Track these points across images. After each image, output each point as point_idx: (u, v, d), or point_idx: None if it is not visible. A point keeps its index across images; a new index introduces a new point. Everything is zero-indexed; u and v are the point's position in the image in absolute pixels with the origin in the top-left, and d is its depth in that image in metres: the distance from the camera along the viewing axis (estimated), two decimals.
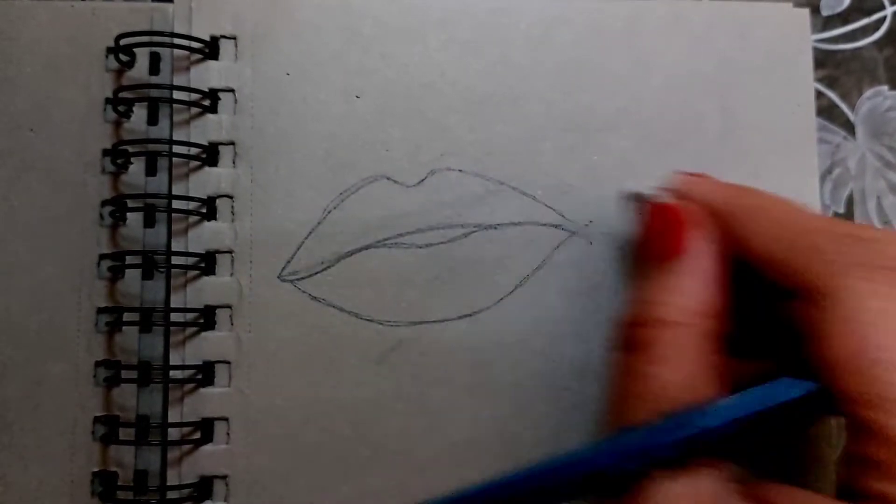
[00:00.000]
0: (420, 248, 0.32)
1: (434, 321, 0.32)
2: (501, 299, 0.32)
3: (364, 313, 0.31)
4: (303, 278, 0.31)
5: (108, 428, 0.30)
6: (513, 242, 0.32)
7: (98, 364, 0.31)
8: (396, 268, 0.32)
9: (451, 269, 0.32)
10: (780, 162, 0.34)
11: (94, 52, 0.32)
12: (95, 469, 0.30)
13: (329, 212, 0.32)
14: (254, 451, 0.31)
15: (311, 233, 0.31)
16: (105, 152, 0.32)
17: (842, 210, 0.37)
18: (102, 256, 0.31)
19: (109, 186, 0.32)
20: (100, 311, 0.31)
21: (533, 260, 0.32)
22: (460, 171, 0.32)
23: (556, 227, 0.33)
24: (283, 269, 0.31)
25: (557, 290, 0.32)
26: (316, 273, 0.31)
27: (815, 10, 0.38)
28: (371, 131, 0.32)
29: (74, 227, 0.32)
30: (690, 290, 0.25)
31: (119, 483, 0.30)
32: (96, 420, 0.31)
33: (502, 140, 0.33)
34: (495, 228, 0.32)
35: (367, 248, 0.32)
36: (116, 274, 0.31)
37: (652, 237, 0.27)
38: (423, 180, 0.32)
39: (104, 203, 0.31)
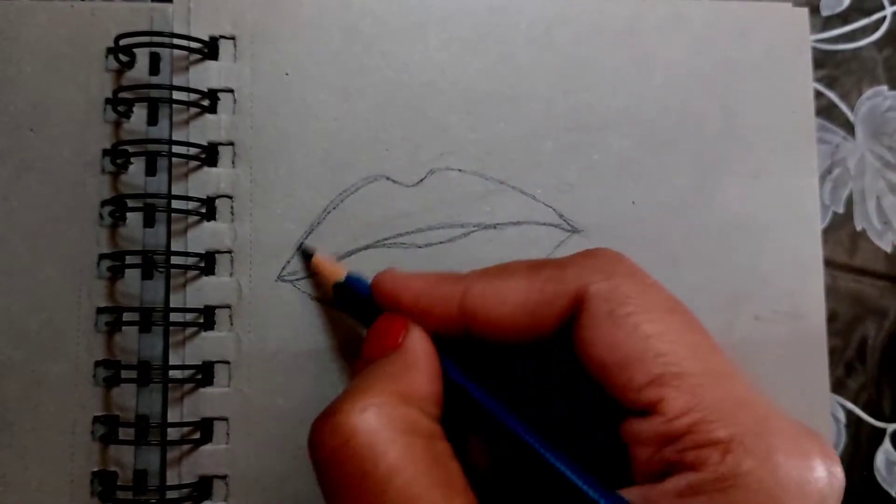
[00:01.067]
0: (420, 247, 0.32)
1: None
2: None
3: None
4: (302, 279, 0.31)
5: (107, 428, 0.30)
6: (513, 242, 0.32)
7: (98, 364, 0.30)
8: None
9: (451, 268, 0.31)
10: (779, 161, 0.34)
11: (94, 53, 0.32)
12: (95, 469, 0.30)
13: (329, 212, 0.31)
14: (253, 451, 0.30)
15: (310, 233, 0.31)
16: (105, 152, 0.31)
17: (841, 210, 0.36)
18: (102, 256, 0.31)
19: (109, 186, 0.31)
20: (100, 311, 0.31)
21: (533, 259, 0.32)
22: (460, 170, 0.32)
23: (555, 226, 0.32)
24: (283, 269, 0.31)
25: None
26: (315, 273, 0.31)
27: (815, 11, 0.37)
28: (371, 131, 0.32)
29: (74, 227, 0.31)
30: (397, 374, 0.24)
31: (119, 483, 0.30)
32: (96, 420, 0.30)
33: (502, 139, 0.32)
34: (495, 228, 0.32)
35: (366, 247, 0.31)
36: (116, 274, 0.31)
37: (369, 343, 0.25)
38: (422, 180, 0.32)
39: (104, 203, 0.31)
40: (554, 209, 0.32)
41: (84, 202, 0.31)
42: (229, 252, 0.31)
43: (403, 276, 0.26)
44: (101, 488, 0.30)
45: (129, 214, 0.31)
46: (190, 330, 0.30)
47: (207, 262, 0.31)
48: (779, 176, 0.34)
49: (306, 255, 0.31)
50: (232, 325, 0.31)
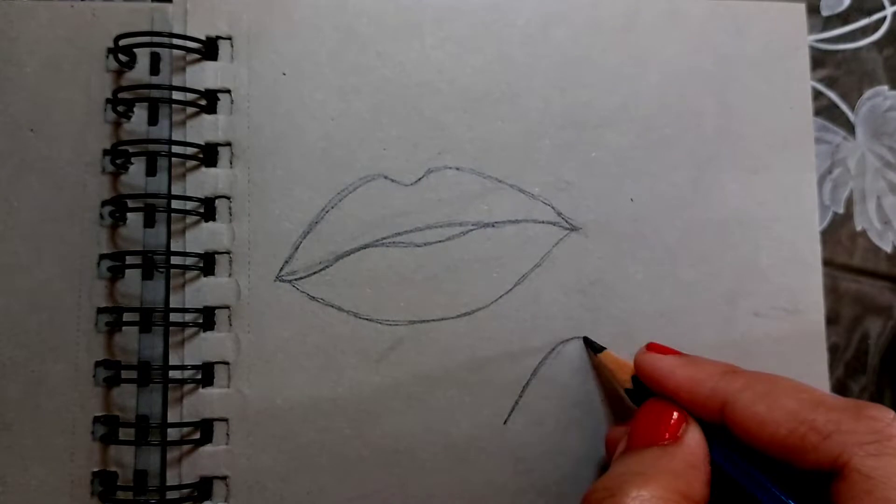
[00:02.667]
0: (418, 246, 0.31)
1: (433, 320, 0.31)
2: (500, 297, 0.31)
3: (363, 312, 0.31)
4: (301, 278, 0.30)
5: (107, 428, 0.30)
6: (511, 240, 0.31)
7: (98, 364, 0.30)
8: (395, 267, 0.31)
9: (449, 267, 0.31)
10: (777, 157, 0.33)
11: (94, 53, 0.32)
12: (95, 469, 0.30)
13: (327, 211, 0.31)
14: (254, 452, 0.30)
15: (308, 232, 0.31)
16: (105, 152, 0.31)
17: (841, 210, 0.36)
18: (102, 256, 0.30)
19: (109, 186, 0.31)
20: (100, 311, 0.30)
21: (531, 257, 0.31)
22: (458, 169, 0.31)
23: (553, 224, 0.32)
24: (282, 269, 0.30)
25: (556, 288, 0.31)
26: (314, 273, 0.30)
27: (815, 11, 0.37)
28: (368, 130, 0.31)
29: (75, 227, 0.31)
30: (679, 472, 0.23)
31: (119, 483, 0.29)
32: (96, 420, 0.30)
33: (500, 138, 0.32)
34: (493, 226, 0.31)
35: (365, 247, 0.31)
36: (116, 274, 0.30)
37: (644, 426, 0.25)
38: (420, 179, 0.31)
39: (104, 203, 0.30)
40: (552, 207, 0.32)
41: (84, 202, 0.31)
42: (228, 252, 0.30)
43: (666, 363, 0.26)
44: (101, 489, 0.29)
45: (129, 214, 0.31)
46: (189, 330, 0.30)
47: (206, 263, 0.30)
48: (777, 172, 0.33)
49: (594, 347, 0.31)
50: (231, 325, 0.30)
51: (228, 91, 0.31)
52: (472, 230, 0.31)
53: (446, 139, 0.31)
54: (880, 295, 0.35)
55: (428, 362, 0.31)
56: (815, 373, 0.32)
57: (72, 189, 0.31)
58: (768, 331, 0.32)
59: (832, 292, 0.35)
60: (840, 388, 0.35)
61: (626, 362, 0.29)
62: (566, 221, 0.32)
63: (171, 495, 0.29)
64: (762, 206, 0.33)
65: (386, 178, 0.31)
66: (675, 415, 0.25)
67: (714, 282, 0.32)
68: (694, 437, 0.24)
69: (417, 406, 0.30)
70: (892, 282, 0.36)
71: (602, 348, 0.30)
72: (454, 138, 0.31)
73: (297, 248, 0.30)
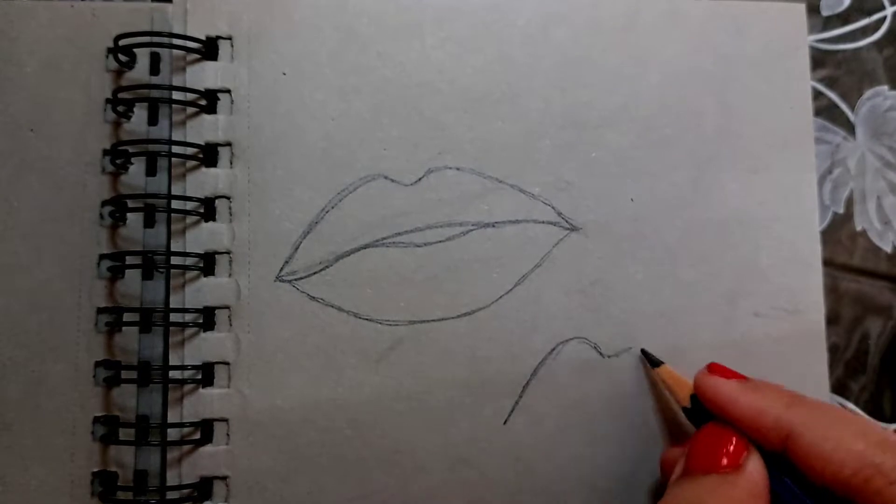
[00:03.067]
0: (418, 246, 0.31)
1: (433, 320, 0.31)
2: (500, 297, 0.31)
3: (363, 313, 0.30)
4: (301, 278, 0.30)
5: (107, 428, 0.29)
6: (511, 240, 0.31)
7: (98, 364, 0.30)
8: (395, 267, 0.31)
9: (449, 267, 0.31)
10: (777, 157, 0.33)
11: (94, 53, 0.31)
12: (95, 469, 0.29)
13: (327, 211, 0.31)
14: (254, 452, 0.29)
15: (308, 233, 0.30)
16: (105, 152, 0.31)
17: (842, 210, 0.35)
18: (102, 256, 0.30)
19: (109, 186, 0.31)
20: (100, 311, 0.30)
21: (531, 257, 0.31)
22: (458, 169, 0.31)
23: (554, 224, 0.31)
24: (282, 269, 0.30)
25: (556, 288, 0.31)
26: (314, 273, 0.30)
27: (816, 11, 0.37)
28: (368, 130, 0.31)
29: (75, 227, 0.31)
30: (740, 502, 0.23)
31: (119, 483, 0.29)
32: (96, 420, 0.30)
33: (500, 138, 0.32)
34: (493, 227, 0.31)
35: (365, 247, 0.31)
36: (116, 274, 0.30)
37: (703, 451, 0.25)
38: (420, 179, 0.31)
39: (104, 203, 0.30)
40: (552, 207, 0.32)
41: (84, 202, 0.31)
42: (228, 252, 0.30)
43: (729, 388, 0.26)
44: (101, 489, 0.29)
45: (129, 214, 0.30)
46: (189, 330, 0.30)
47: (207, 263, 0.30)
48: (777, 172, 0.33)
49: (651, 361, 0.31)
50: (231, 325, 0.30)
51: (228, 91, 0.31)
52: (472, 230, 0.31)
53: (446, 139, 0.31)
54: (880, 295, 0.35)
55: (428, 362, 0.30)
56: (815, 373, 0.32)
57: (72, 189, 0.31)
58: (768, 331, 0.32)
59: (832, 292, 0.35)
60: (840, 387, 0.35)
61: (684, 380, 0.29)
62: (566, 221, 0.32)
63: (171, 495, 0.29)
64: (762, 206, 0.32)
65: (386, 178, 0.31)
66: (736, 442, 0.24)
67: (714, 282, 0.32)
68: (756, 467, 0.24)
69: (417, 406, 0.30)
70: (892, 282, 0.35)
71: (660, 362, 0.30)
72: (454, 138, 0.31)
73: (297, 249, 0.30)
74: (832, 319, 0.34)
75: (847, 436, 0.22)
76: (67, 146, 0.31)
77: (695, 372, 0.31)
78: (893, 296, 0.35)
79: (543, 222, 0.31)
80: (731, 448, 0.24)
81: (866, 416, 0.23)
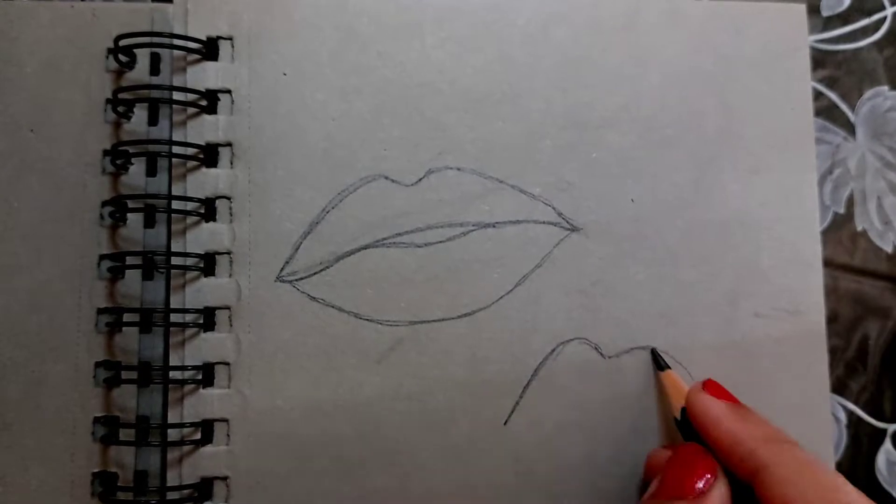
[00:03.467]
0: (419, 247, 0.31)
1: (433, 320, 0.31)
2: (501, 298, 0.31)
3: (363, 313, 0.30)
4: (301, 279, 0.30)
5: (108, 429, 0.29)
6: (511, 241, 0.31)
7: (98, 364, 0.30)
8: (395, 267, 0.31)
9: (449, 268, 0.31)
10: (778, 157, 0.33)
11: (95, 53, 0.31)
12: (95, 469, 0.29)
13: (327, 212, 0.30)
14: (254, 452, 0.29)
15: (309, 233, 0.30)
16: (105, 153, 0.31)
17: (842, 210, 0.35)
18: (102, 257, 0.30)
19: (109, 187, 0.31)
20: (100, 311, 0.30)
21: (532, 258, 0.31)
22: (458, 169, 0.31)
23: (554, 224, 0.31)
24: (282, 269, 0.30)
25: (557, 288, 0.31)
26: (315, 273, 0.30)
27: (816, 11, 0.36)
28: (369, 130, 0.31)
29: (75, 227, 0.30)
30: None
31: (119, 484, 0.29)
32: (96, 420, 0.29)
33: (500, 138, 0.31)
34: (494, 227, 0.31)
35: (365, 247, 0.30)
36: (116, 274, 0.30)
37: (675, 475, 0.25)
38: (421, 179, 0.31)
39: (104, 203, 0.30)
40: (553, 207, 0.31)
41: (84, 203, 0.31)
42: (228, 253, 0.30)
43: (716, 411, 0.26)
44: (101, 489, 0.29)
45: (129, 215, 0.30)
46: (190, 331, 0.30)
47: (207, 263, 0.30)
48: (777, 172, 0.33)
49: (659, 364, 0.31)
50: (231, 325, 0.30)
51: (229, 91, 0.31)
52: (472, 230, 0.31)
53: (447, 139, 0.31)
54: (880, 295, 0.35)
55: (428, 363, 0.30)
56: (816, 373, 0.32)
57: (72, 189, 0.31)
58: (769, 331, 0.32)
59: (832, 292, 0.34)
60: (840, 388, 0.35)
61: (684, 390, 0.28)
62: (567, 222, 0.31)
63: (171, 496, 0.29)
64: (763, 206, 0.32)
65: (387, 178, 0.31)
66: (707, 471, 0.24)
67: (715, 282, 0.32)
68: (720, 495, 0.24)
69: (418, 406, 0.30)
70: (892, 282, 0.35)
71: (666, 367, 0.30)
72: (455, 139, 0.31)
73: (297, 249, 0.30)
74: (832, 319, 0.34)
75: (812, 488, 0.22)
76: (67, 147, 0.31)
77: (695, 373, 0.31)
78: (894, 296, 0.35)
79: (544, 223, 0.31)
80: (702, 475, 0.24)
81: (842, 477, 0.23)
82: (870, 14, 0.37)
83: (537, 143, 0.32)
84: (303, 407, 0.30)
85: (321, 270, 0.30)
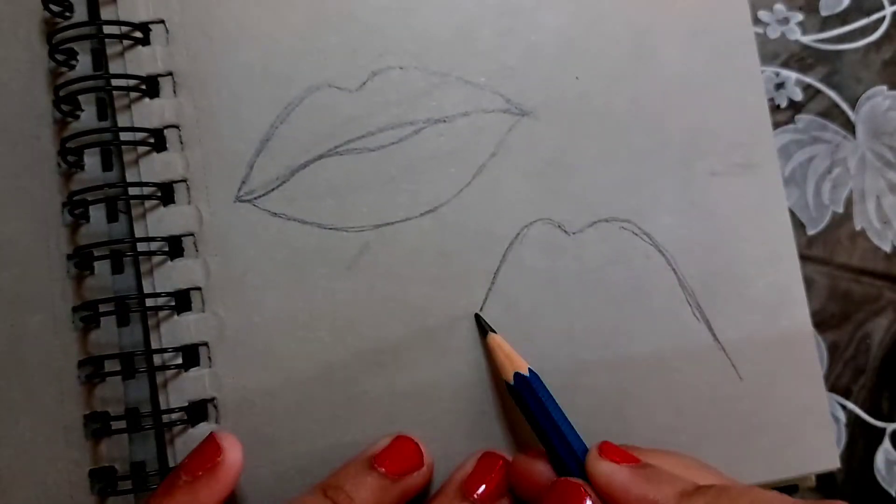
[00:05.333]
0: (372, 151, 0.30)
1: (397, 221, 0.30)
2: (461, 191, 0.31)
3: (326, 222, 0.30)
4: (260, 196, 0.30)
5: (93, 368, 0.29)
6: (464, 133, 0.31)
7: (75, 309, 0.29)
8: (352, 174, 0.30)
9: (406, 167, 0.30)
10: (714, 15, 0.32)
11: (31, 7, 0.31)
12: (86, 412, 0.29)
13: (276, 127, 0.30)
14: (237, 371, 0.29)
15: (261, 150, 0.30)
16: (53, 102, 0.30)
17: (841, 210, 0.35)
18: (65, 203, 0.30)
19: (61, 134, 0.30)
20: (69, 256, 0.30)
21: (486, 147, 0.31)
22: (401, 68, 0.31)
23: (504, 111, 0.31)
24: (240, 189, 0.30)
25: (514, 174, 0.31)
26: (272, 189, 0.30)
27: (815, 10, 0.36)
28: (306, 41, 0.30)
29: (34, 179, 0.30)
30: None
31: (112, 416, 0.29)
32: (80, 364, 0.29)
33: (439, 32, 0.31)
34: (444, 121, 0.31)
35: (319, 157, 0.30)
36: (80, 218, 0.30)
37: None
38: (365, 83, 0.31)
39: (59, 150, 0.30)
40: (500, 94, 0.31)
41: (41, 154, 0.30)
42: (184, 181, 0.30)
43: (621, 478, 0.24)
44: (96, 426, 0.29)
45: (86, 158, 0.30)
46: (157, 259, 0.29)
47: (165, 193, 0.30)
48: (716, 33, 0.32)
49: (482, 328, 0.30)
50: (198, 251, 0.30)
51: (162, 21, 0.30)
52: (423, 128, 0.31)
53: (386, 40, 0.31)
54: (880, 295, 0.35)
55: (398, 263, 0.30)
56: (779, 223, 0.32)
57: (26, 143, 0.30)
58: (727, 188, 0.32)
59: (832, 292, 0.34)
60: (840, 388, 0.34)
61: (512, 352, 0.28)
62: (516, 107, 0.31)
63: (165, 419, 0.28)
64: (705, 66, 0.32)
65: (331, 86, 0.30)
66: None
67: (667, 147, 0.32)
68: None
69: (393, 306, 0.30)
70: (891, 282, 0.35)
71: (491, 330, 0.29)
72: (393, 38, 0.31)
73: (251, 168, 0.30)
74: (832, 319, 0.34)
75: None
76: (16, 102, 0.30)
77: (663, 241, 0.31)
78: (893, 296, 0.35)
79: (493, 111, 0.31)
80: None
81: (777, 494, 0.22)
82: (869, 14, 0.36)
83: (476, 32, 0.31)
84: (279, 320, 0.29)
85: (279, 186, 0.30)
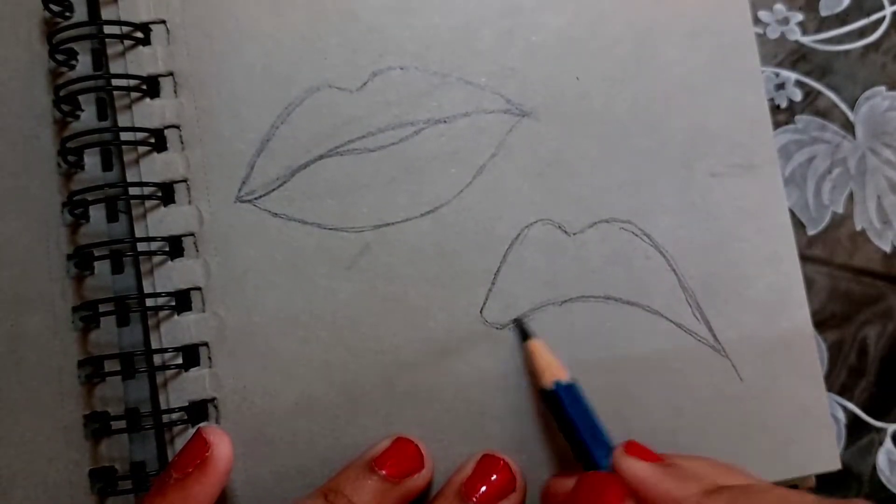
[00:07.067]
0: (372, 151, 0.30)
1: (397, 222, 0.30)
2: (461, 191, 0.30)
3: (327, 223, 0.30)
4: (261, 196, 0.29)
5: (93, 368, 0.29)
6: (464, 133, 0.30)
7: (75, 309, 0.29)
8: (352, 174, 0.30)
9: (406, 168, 0.30)
10: (715, 19, 0.32)
11: (31, 7, 0.30)
12: (86, 412, 0.29)
13: (277, 127, 0.30)
14: (238, 371, 0.29)
15: (262, 150, 0.30)
16: (53, 101, 0.30)
17: (841, 210, 0.35)
18: (65, 203, 0.29)
19: (61, 133, 0.30)
20: (69, 256, 0.29)
21: (486, 148, 0.30)
22: (402, 68, 0.30)
23: (504, 112, 0.31)
24: (240, 189, 0.29)
25: (515, 174, 0.30)
26: (273, 190, 0.30)
27: (814, 10, 0.36)
28: (307, 41, 0.30)
29: (34, 179, 0.30)
30: None
31: (112, 415, 0.29)
32: (80, 364, 0.29)
33: (439, 32, 0.31)
34: (445, 122, 0.30)
35: (320, 158, 0.30)
36: (80, 218, 0.29)
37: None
38: (366, 83, 0.30)
39: (59, 151, 0.29)
40: (501, 95, 0.31)
41: (40, 153, 0.30)
42: (185, 181, 0.29)
43: (647, 473, 0.24)
44: (96, 425, 0.29)
45: (86, 157, 0.30)
46: (158, 259, 0.29)
47: (166, 193, 0.29)
48: (715, 31, 0.32)
49: (523, 332, 0.29)
50: (198, 251, 0.29)
51: (163, 21, 0.30)
52: (424, 128, 0.30)
53: (387, 40, 0.30)
54: (880, 295, 0.34)
55: (398, 263, 0.30)
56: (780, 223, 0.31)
57: (26, 143, 0.30)
58: (727, 189, 0.31)
59: (832, 292, 0.34)
60: (840, 388, 0.34)
61: (553, 359, 0.28)
62: (516, 108, 0.31)
63: (165, 419, 0.28)
64: (705, 68, 0.32)
65: (331, 86, 0.30)
66: (619, 499, 0.23)
67: (667, 148, 0.31)
68: None
69: (394, 306, 0.30)
70: (891, 282, 0.35)
71: (533, 335, 0.29)
72: (394, 38, 0.30)
73: (252, 168, 0.30)
74: (832, 320, 0.34)
75: None
76: (16, 102, 0.30)
77: (663, 241, 0.30)
78: (893, 296, 0.34)
79: (494, 111, 0.31)
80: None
81: (796, 492, 0.22)
82: (868, 14, 0.36)
83: (476, 33, 0.31)
84: (280, 320, 0.29)
85: (279, 186, 0.30)
